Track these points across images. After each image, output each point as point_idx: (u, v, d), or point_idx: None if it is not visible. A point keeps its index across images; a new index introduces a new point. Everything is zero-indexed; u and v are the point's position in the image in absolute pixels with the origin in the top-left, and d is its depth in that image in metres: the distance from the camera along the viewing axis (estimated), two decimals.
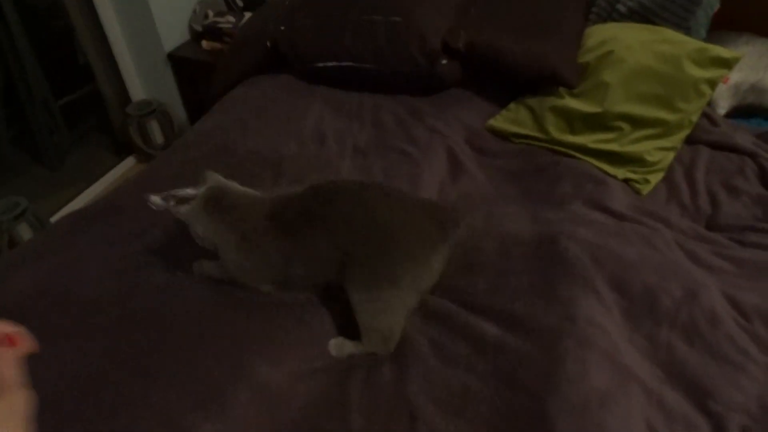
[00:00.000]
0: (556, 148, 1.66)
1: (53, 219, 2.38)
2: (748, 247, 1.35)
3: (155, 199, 1.11)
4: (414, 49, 1.83)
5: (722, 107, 1.89)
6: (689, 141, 1.68)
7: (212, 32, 2.53)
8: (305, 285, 1.15)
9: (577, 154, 1.62)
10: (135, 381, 0.99)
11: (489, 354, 1.05)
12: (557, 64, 1.73)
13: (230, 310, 1.12)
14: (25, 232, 2.11)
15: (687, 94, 1.60)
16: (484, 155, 1.68)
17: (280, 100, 1.89)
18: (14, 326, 0.50)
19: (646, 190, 1.54)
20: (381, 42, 1.86)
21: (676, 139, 1.63)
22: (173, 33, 2.58)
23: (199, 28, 2.59)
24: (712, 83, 1.61)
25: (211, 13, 2.59)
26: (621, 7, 2.01)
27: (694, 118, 1.64)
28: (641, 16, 1.97)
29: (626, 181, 1.56)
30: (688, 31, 1.91)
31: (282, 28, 2.00)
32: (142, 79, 2.72)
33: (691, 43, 1.67)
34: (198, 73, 2.51)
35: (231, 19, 2.53)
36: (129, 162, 2.88)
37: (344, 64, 1.92)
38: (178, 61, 2.58)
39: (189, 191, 1.12)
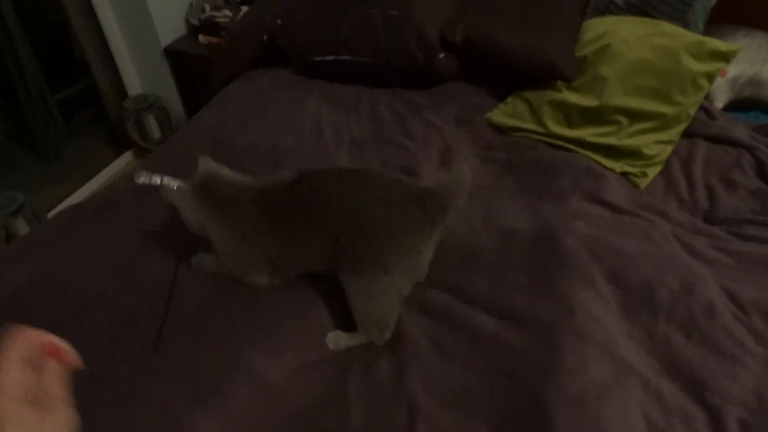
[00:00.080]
0: (553, 141, 1.65)
1: (50, 214, 2.37)
2: (746, 241, 1.35)
3: (144, 176, 1.12)
4: (411, 42, 1.82)
5: (720, 100, 1.89)
6: (687, 134, 1.68)
7: (209, 26, 2.52)
8: (297, 273, 1.15)
9: (575, 148, 1.62)
10: (133, 376, 0.99)
11: (487, 348, 1.06)
12: (555, 58, 1.72)
13: (228, 305, 1.12)
14: (21, 227, 2.11)
15: (685, 87, 1.60)
16: (482, 148, 1.68)
17: (278, 95, 1.89)
18: (61, 340, 0.48)
19: (643, 183, 1.54)
20: (378, 35, 1.85)
21: (674, 133, 1.63)
22: (170, 27, 2.57)
23: (195, 23, 2.58)
24: (710, 76, 1.61)
25: (207, 7, 2.58)
26: (618, 0, 2.01)
27: (692, 111, 1.64)
28: (639, 9, 1.96)
29: (624, 174, 1.56)
30: (685, 24, 1.90)
31: (279, 21, 1.99)
32: (139, 74, 2.71)
33: (689, 37, 1.67)
34: (195, 67, 2.51)
35: (228, 13, 2.52)
36: (126, 157, 2.88)
37: (341, 57, 1.91)
38: (175, 55, 2.57)
39: (179, 183, 1.13)
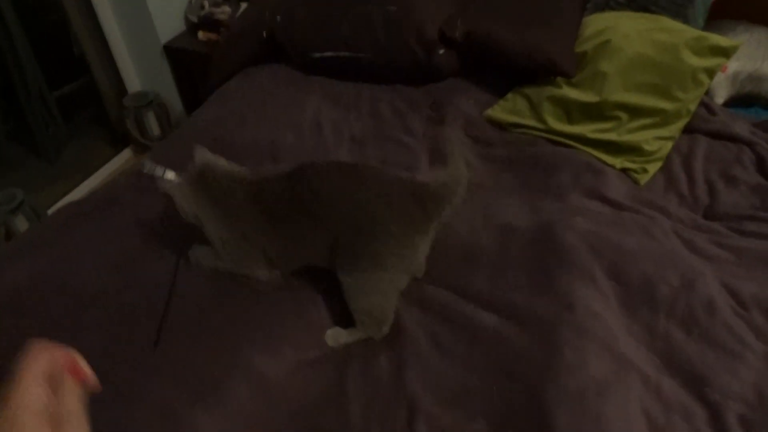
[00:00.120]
0: (553, 137, 1.65)
1: (50, 211, 2.37)
2: (746, 236, 1.35)
3: (150, 166, 1.12)
4: (411, 38, 1.82)
5: (720, 96, 1.88)
6: (687, 130, 1.67)
7: (208, 23, 2.51)
8: (293, 266, 1.15)
9: (575, 144, 1.61)
10: (133, 375, 0.99)
11: (487, 345, 1.06)
12: (555, 54, 1.72)
13: (228, 303, 1.12)
14: (21, 224, 2.11)
15: (685, 83, 1.60)
16: (481, 145, 1.67)
17: (277, 91, 1.89)
18: (82, 359, 0.48)
19: (644, 179, 1.53)
20: (378, 32, 1.85)
21: (674, 129, 1.62)
22: (169, 24, 2.56)
23: (195, 19, 2.58)
24: (711, 72, 1.61)
25: (207, 4, 2.57)
26: None
27: (692, 107, 1.63)
28: (639, 4, 1.96)
29: (624, 170, 1.56)
30: (686, 19, 1.89)
31: (278, 18, 1.98)
32: (139, 71, 2.71)
33: (689, 32, 1.66)
34: (194, 64, 2.50)
35: (227, 9, 2.51)
36: (126, 154, 2.87)
37: (341, 54, 1.91)
38: (174, 52, 2.57)
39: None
